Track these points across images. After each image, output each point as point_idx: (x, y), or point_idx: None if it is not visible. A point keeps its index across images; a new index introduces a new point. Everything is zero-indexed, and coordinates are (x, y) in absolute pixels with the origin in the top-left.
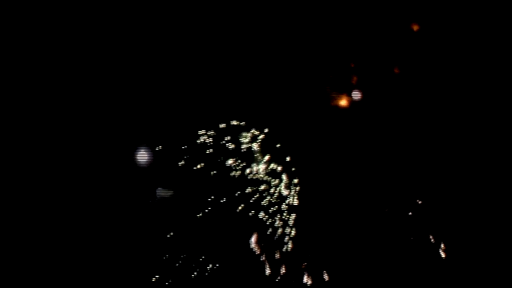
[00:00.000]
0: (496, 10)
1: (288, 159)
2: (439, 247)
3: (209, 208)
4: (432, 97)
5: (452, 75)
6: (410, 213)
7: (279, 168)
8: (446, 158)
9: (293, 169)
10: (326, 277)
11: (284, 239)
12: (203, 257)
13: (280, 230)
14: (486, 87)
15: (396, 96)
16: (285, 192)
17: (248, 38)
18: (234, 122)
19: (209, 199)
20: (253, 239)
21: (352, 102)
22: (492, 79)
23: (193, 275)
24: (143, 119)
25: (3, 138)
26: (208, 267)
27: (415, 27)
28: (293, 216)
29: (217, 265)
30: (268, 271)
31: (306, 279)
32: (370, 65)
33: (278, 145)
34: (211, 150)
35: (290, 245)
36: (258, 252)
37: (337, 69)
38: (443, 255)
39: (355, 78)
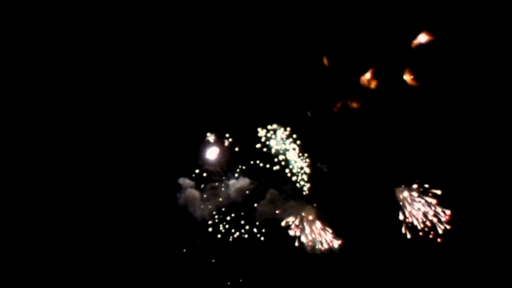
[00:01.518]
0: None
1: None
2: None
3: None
4: (437, 99)
5: (456, 77)
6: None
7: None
8: (449, 158)
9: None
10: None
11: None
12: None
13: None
14: (487, 88)
15: (404, 96)
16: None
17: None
18: (275, 126)
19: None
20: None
21: (364, 102)
22: (494, 81)
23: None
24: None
25: (3, 138)
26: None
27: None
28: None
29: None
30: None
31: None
32: (383, 67)
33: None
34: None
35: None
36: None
37: (352, 72)
38: (443, 254)
39: (374, 82)
